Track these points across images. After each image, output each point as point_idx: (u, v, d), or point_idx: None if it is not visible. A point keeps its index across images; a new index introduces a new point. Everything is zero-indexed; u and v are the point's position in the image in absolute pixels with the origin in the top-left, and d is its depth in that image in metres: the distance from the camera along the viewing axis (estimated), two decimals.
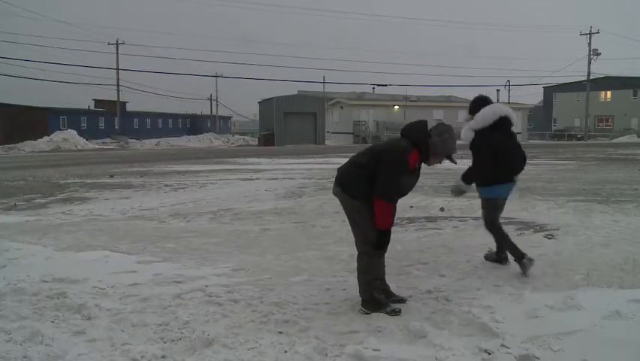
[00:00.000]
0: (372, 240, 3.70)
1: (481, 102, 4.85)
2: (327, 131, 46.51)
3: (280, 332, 3.47)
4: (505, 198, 4.85)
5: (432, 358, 3.09)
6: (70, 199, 10.13)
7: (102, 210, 8.69)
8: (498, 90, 58.64)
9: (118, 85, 46.10)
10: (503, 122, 4.71)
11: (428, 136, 3.70)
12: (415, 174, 3.78)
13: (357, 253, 3.87)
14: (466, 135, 4.78)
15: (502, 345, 3.19)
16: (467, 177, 4.82)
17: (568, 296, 3.84)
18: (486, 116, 4.69)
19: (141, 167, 17.44)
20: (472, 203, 8.68)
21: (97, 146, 38.21)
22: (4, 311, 3.85)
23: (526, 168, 4.92)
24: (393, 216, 3.84)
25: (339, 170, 3.92)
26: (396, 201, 3.91)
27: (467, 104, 5.07)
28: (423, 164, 3.82)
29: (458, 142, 3.93)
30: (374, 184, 3.63)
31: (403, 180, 3.70)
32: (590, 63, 50.90)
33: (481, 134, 4.69)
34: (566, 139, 52.42)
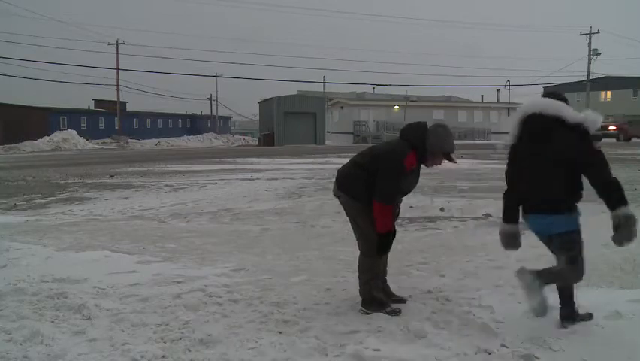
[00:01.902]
0: (374, 241, 3.70)
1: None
2: (327, 132, 46.51)
3: (280, 332, 3.47)
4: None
5: (432, 358, 3.08)
6: (70, 199, 10.13)
7: (102, 210, 8.69)
8: (498, 90, 58.71)
9: (118, 85, 46.11)
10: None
11: (425, 138, 3.68)
12: (415, 174, 3.78)
13: (358, 253, 3.88)
14: None
15: (502, 345, 3.19)
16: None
17: None
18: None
19: (141, 167, 17.45)
20: (471, 203, 8.68)
21: (97, 146, 38.21)
22: (4, 311, 3.85)
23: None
24: (395, 218, 3.85)
25: (340, 170, 3.92)
26: (400, 201, 3.91)
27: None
28: (424, 165, 3.81)
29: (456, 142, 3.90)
30: (372, 186, 3.64)
31: (403, 182, 3.70)
32: (590, 63, 50.89)
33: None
34: None
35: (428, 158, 3.71)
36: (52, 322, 3.69)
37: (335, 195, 3.92)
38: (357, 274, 3.88)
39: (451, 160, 3.75)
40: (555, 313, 3.61)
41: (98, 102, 54.03)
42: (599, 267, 4.74)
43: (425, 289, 4.19)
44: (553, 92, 3.54)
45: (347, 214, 3.88)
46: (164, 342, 3.36)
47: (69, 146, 35.47)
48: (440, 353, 3.12)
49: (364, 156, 3.87)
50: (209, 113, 67.61)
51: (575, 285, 3.42)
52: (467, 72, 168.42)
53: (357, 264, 3.87)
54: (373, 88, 56.61)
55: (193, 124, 63.59)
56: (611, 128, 38.17)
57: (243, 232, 6.77)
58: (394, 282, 4.16)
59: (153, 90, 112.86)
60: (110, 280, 4.53)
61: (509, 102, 55.44)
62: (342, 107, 50.34)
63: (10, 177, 14.45)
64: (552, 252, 3.41)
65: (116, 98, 47.28)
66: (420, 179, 3.90)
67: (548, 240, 3.38)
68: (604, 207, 3.36)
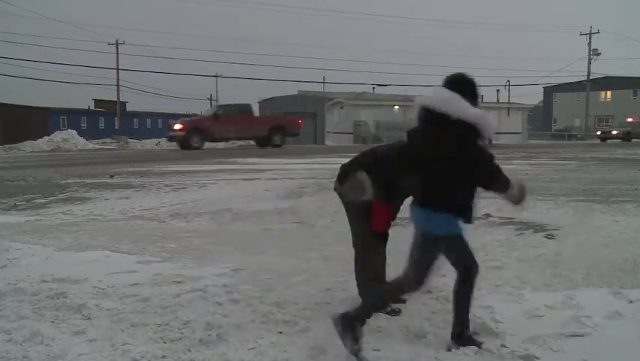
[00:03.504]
0: (370, 238, 3.72)
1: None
2: (327, 132, 46.49)
3: (280, 332, 3.47)
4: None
5: (432, 358, 3.09)
6: (70, 199, 10.12)
7: (102, 210, 8.69)
8: (498, 90, 58.69)
9: (118, 85, 46.11)
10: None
11: None
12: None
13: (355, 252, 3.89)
14: None
15: (502, 345, 3.19)
16: None
17: (568, 296, 3.85)
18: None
19: (141, 167, 17.42)
20: None
21: (97, 146, 38.17)
22: (4, 311, 3.85)
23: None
24: (393, 219, 3.87)
25: (342, 167, 3.95)
26: (401, 203, 3.92)
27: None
28: None
29: None
30: (374, 185, 3.65)
31: (404, 183, 3.71)
32: (589, 63, 50.96)
33: None
34: (566, 139, 52.40)
35: None
36: (52, 322, 3.69)
37: (335, 189, 3.95)
38: (355, 274, 3.89)
39: None
40: (552, 313, 3.62)
41: (98, 102, 54.03)
42: (599, 267, 4.74)
43: (425, 289, 4.19)
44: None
45: (345, 210, 3.91)
46: (164, 342, 3.36)
47: (69, 146, 35.38)
48: (440, 353, 3.13)
49: (367, 155, 3.90)
50: None
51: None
52: (467, 72, 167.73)
53: (354, 263, 3.88)
54: (373, 88, 56.59)
55: None
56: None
57: (243, 232, 6.76)
58: None
59: (153, 90, 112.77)
60: (110, 280, 4.53)
61: (509, 102, 55.45)
62: (342, 107, 50.34)
63: (10, 177, 14.44)
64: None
65: (116, 98, 47.27)
66: None
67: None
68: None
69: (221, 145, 31.23)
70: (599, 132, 36.97)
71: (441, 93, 3.09)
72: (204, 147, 27.05)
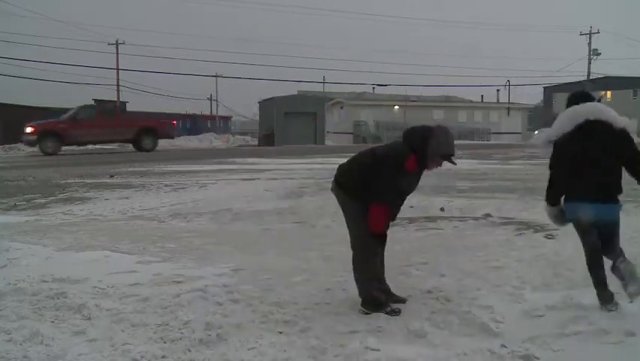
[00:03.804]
0: (368, 237, 3.73)
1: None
2: (327, 132, 46.53)
3: (280, 332, 3.47)
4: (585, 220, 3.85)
5: (432, 358, 3.09)
6: (70, 199, 10.12)
7: (102, 210, 8.69)
8: (498, 90, 58.70)
9: (118, 85, 46.12)
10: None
11: (427, 143, 3.67)
12: (415, 177, 3.79)
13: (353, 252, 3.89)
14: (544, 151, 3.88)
15: (502, 345, 3.19)
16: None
17: (568, 296, 3.85)
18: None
19: (141, 167, 17.42)
20: (472, 203, 8.68)
21: (97, 146, 38.13)
22: (4, 311, 3.85)
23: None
24: (393, 219, 3.87)
25: (339, 168, 3.95)
26: (401, 204, 3.92)
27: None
28: (425, 169, 3.80)
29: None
30: (371, 186, 3.65)
31: (402, 184, 3.71)
32: (590, 63, 50.91)
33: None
34: None
35: (428, 162, 3.71)
36: (52, 322, 3.69)
37: (332, 190, 3.95)
38: (353, 274, 3.90)
39: (451, 162, 3.75)
40: (552, 313, 3.62)
41: (98, 102, 53.98)
42: None
43: (425, 289, 4.19)
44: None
45: (343, 211, 3.91)
46: (164, 342, 3.36)
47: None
48: (440, 353, 3.13)
49: (365, 155, 3.89)
50: (209, 113, 67.61)
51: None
52: (467, 72, 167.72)
53: (352, 263, 3.88)
54: (373, 88, 56.61)
55: (193, 124, 63.50)
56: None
57: (243, 232, 6.77)
58: (394, 282, 4.16)
59: (153, 90, 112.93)
60: (110, 280, 4.53)
61: (509, 102, 55.48)
62: (342, 107, 50.40)
63: (10, 177, 14.43)
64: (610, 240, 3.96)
65: (116, 98, 47.25)
66: (420, 179, 3.91)
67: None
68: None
69: (222, 146, 30.54)
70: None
71: (607, 110, 4.00)
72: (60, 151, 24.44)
